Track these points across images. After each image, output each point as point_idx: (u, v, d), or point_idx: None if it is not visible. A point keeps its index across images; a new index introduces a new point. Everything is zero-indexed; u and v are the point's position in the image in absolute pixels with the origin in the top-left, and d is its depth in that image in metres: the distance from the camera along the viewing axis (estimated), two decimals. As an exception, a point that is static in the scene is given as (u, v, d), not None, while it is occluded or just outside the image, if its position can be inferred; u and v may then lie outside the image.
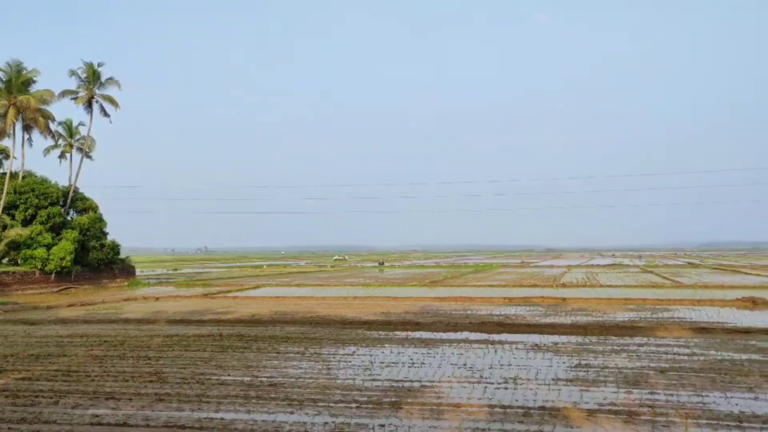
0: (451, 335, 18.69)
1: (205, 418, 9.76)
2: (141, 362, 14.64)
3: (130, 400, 11.02)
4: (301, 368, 13.69)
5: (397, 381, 12.25)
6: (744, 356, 14.59)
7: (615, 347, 16.05)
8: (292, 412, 10.06)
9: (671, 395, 10.86)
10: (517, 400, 10.60)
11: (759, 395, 10.82)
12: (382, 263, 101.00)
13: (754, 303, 26.48)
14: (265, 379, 12.61)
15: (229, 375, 13.04)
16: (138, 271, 58.41)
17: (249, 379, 12.64)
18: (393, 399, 10.79)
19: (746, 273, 57.04)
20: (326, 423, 9.41)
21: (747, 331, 18.48)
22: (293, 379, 12.52)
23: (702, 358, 14.44)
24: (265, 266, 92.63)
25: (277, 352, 15.81)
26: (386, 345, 16.86)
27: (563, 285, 41.23)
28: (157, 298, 33.95)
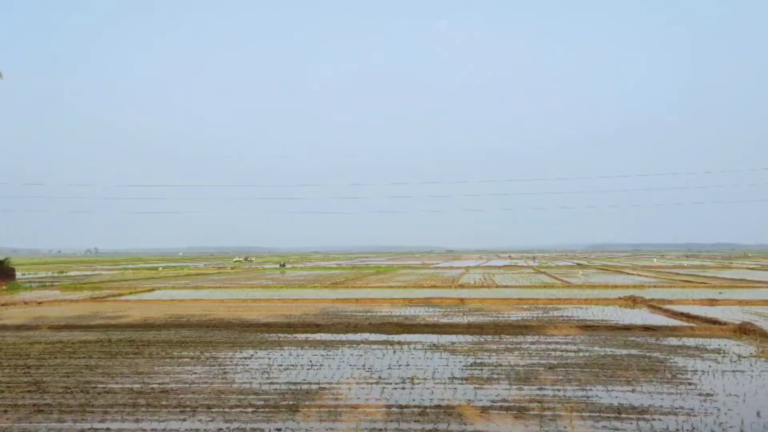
0: (351, 336, 18.72)
1: (88, 429, 9.21)
2: (19, 371, 13.62)
3: (6, 412, 10.23)
4: (195, 373, 13.23)
5: (295, 384, 12.11)
6: (624, 351, 15.57)
7: (508, 345, 16.66)
8: (184, 419, 9.69)
9: (558, 390, 11.40)
10: (414, 400, 10.75)
11: (636, 388, 11.56)
12: (284, 264, 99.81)
13: (634, 301, 28.31)
14: (157, 385, 12.08)
15: (117, 383, 12.38)
16: (19, 274, 54.52)
17: (139, 386, 12.06)
18: (291, 402, 10.65)
19: (628, 273, 61.06)
20: (220, 429, 9.13)
21: (628, 328, 19.72)
22: (187, 385, 12.08)
23: (587, 354, 15.27)
24: (161, 268, 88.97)
25: (171, 357, 15.20)
26: (285, 347, 16.64)
27: (461, 286, 42.34)
28: (40, 303, 31.74)
